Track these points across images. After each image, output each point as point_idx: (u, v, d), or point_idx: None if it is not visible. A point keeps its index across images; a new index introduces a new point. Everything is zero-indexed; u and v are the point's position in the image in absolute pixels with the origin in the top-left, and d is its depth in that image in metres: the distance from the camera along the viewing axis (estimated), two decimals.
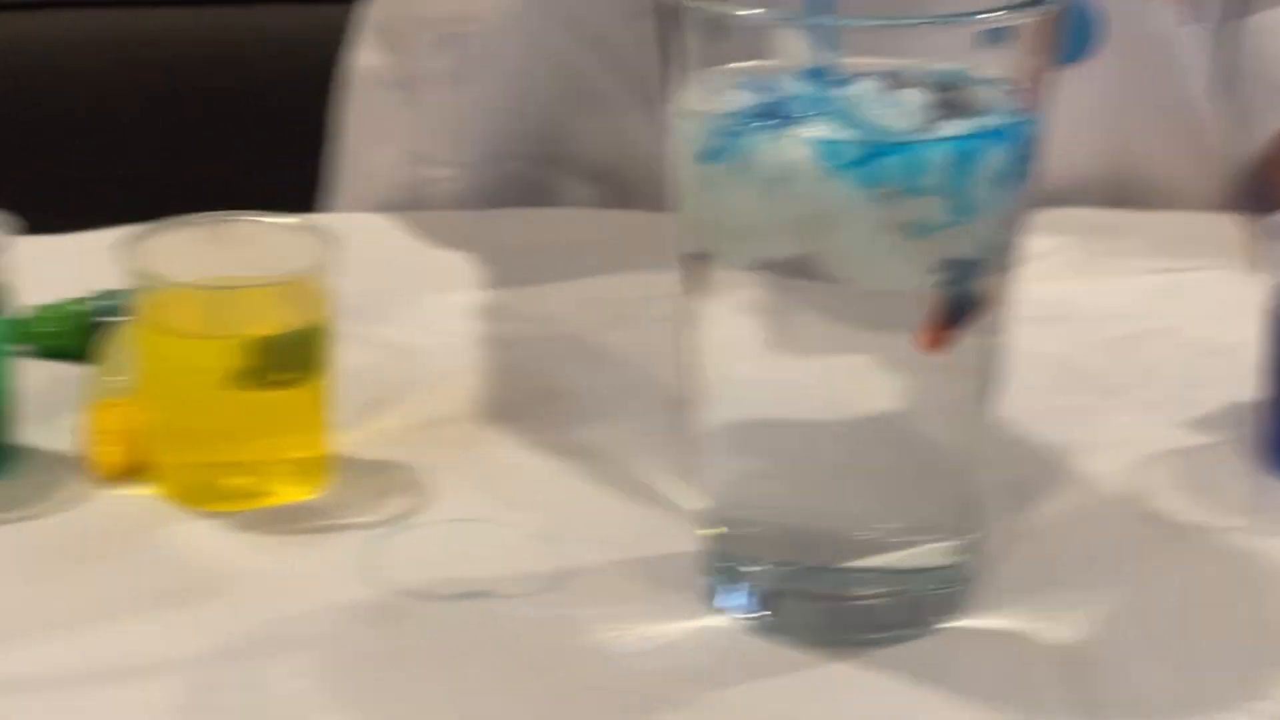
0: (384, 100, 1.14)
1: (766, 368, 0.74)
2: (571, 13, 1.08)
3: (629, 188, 1.09)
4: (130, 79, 1.70)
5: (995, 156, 0.71)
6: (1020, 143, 0.71)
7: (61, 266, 0.98)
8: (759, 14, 0.72)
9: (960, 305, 0.72)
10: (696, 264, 0.74)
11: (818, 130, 0.70)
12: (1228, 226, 1.04)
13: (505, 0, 1.08)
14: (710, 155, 0.71)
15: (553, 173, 1.11)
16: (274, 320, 0.82)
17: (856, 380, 0.73)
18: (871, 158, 0.69)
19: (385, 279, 0.99)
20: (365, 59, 1.15)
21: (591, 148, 1.10)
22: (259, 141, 1.66)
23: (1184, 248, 1.02)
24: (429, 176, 1.11)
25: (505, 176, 1.11)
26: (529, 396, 0.90)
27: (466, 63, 1.10)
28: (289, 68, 1.66)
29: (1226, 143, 1.07)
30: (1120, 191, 1.08)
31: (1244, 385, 0.90)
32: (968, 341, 0.73)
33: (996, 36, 0.71)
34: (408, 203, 1.11)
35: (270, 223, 0.85)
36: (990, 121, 0.71)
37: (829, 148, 0.70)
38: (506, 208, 1.09)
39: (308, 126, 1.25)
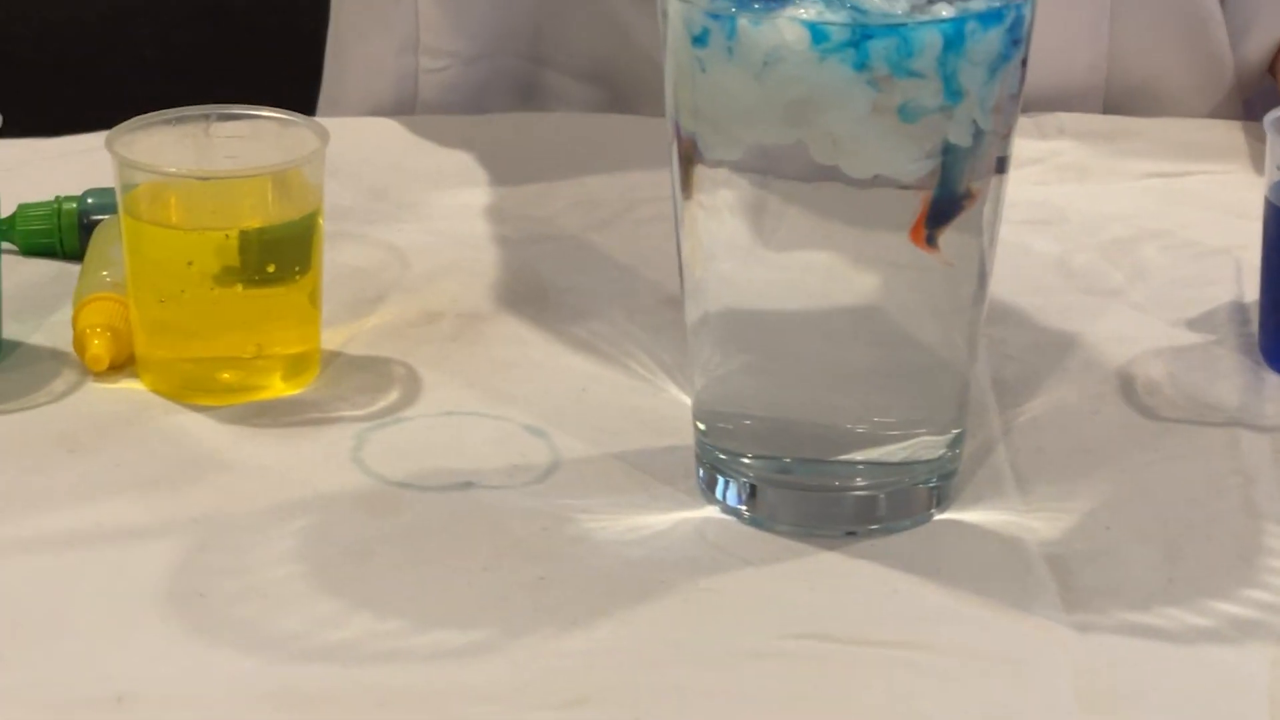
0: None
1: (754, 264, 0.74)
2: None
3: (623, 89, 1.08)
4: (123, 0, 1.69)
5: (986, 40, 0.70)
6: (1011, 26, 0.71)
7: (51, 168, 0.98)
8: None
9: (950, 202, 0.72)
10: (686, 161, 0.74)
11: (808, 12, 0.70)
12: (1228, 132, 1.04)
13: None
14: (701, 38, 0.71)
15: (546, 71, 1.10)
16: (264, 213, 0.81)
17: (843, 276, 0.73)
18: (862, 40, 0.69)
19: (379, 180, 0.99)
20: None
21: (586, 45, 1.09)
22: (255, 38, 1.65)
23: (1183, 153, 1.01)
24: (425, 66, 1.10)
25: (499, 72, 1.10)
26: (521, 294, 0.89)
27: None
28: None
29: (1231, 47, 1.07)
30: (1119, 96, 1.07)
31: (1239, 287, 0.90)
32: (957, 238, 0.73)
33: None
34: (404, 94, 1.10)
35: (261, 116, 0.84)
36: (981, 4, 0.70)
37: (819, 30, 0.69)
38: (500, 106, 1.09)
39: (305, 20, 1.24)
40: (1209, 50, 1.06)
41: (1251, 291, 0.87)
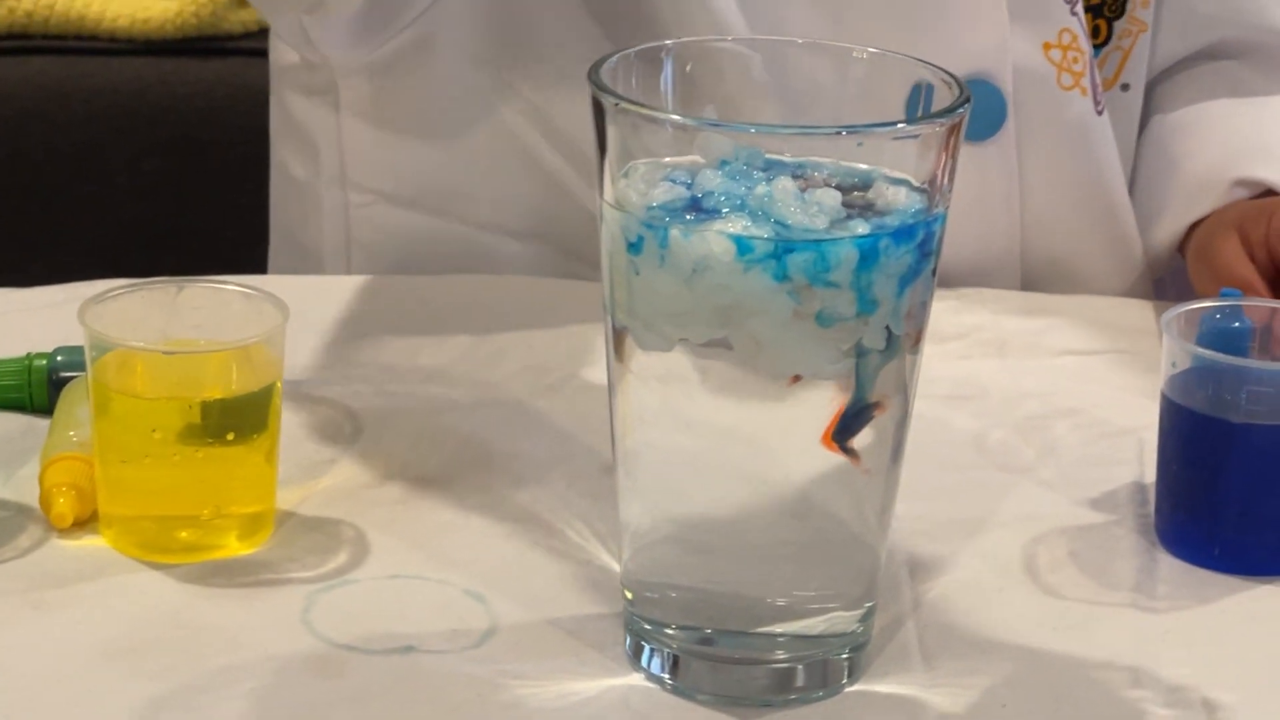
0: (308, 113, 1.17)
1: (681, 433, 0.79)
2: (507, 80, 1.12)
3: (564, 245, 1.13)
4: (97, 127, 1.74)
5: (899, 255, 0.76)
6: (922, 241, 0.77)
7: (24, 319, 1.03)
8: (681, 116, 0.77)
9: (859, 412, 0.77)
10: (620, 338, 0.79)
11: (736, 226, 0.75)
12: (1140, 311, 1.10)
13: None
14: (636, 245, 0.77)
15: (485, 233, 1.15)
16: (227, 384, 0.86)
17: (765, 453, 0.78)
18: (783, 253, 0.75)
19: (334, 339, 1.04)
20: (281, 58, 1.18)
21: (524, 204, 1.14)
22: (221, 167, 1.70)
23: (1097, 331, 1.07)
24: (354, 202, 1.15)
25: (437, 231, 1.15)
26: (467, 459, 0.94)
27: (393, 87, 1.14)
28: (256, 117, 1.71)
29: (1140, 232, 1.13)
30: (1036, 269, 1.13)
31: (1140, 467, 0.95)
32: (871, 431, 0.78)
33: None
34: (336, 228, 1.16)
35: (225, 289, 0.89)
36: (894, 221, 0.76)
37: (744, 243, 0.75)
38: (442, 258, 1.14)
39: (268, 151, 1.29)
40: (1118, 232, 1.12)
41: (1151, 473, 0.92)
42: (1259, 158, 1.09)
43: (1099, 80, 1.10)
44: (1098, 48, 1.12)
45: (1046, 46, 1.08)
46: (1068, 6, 1.08)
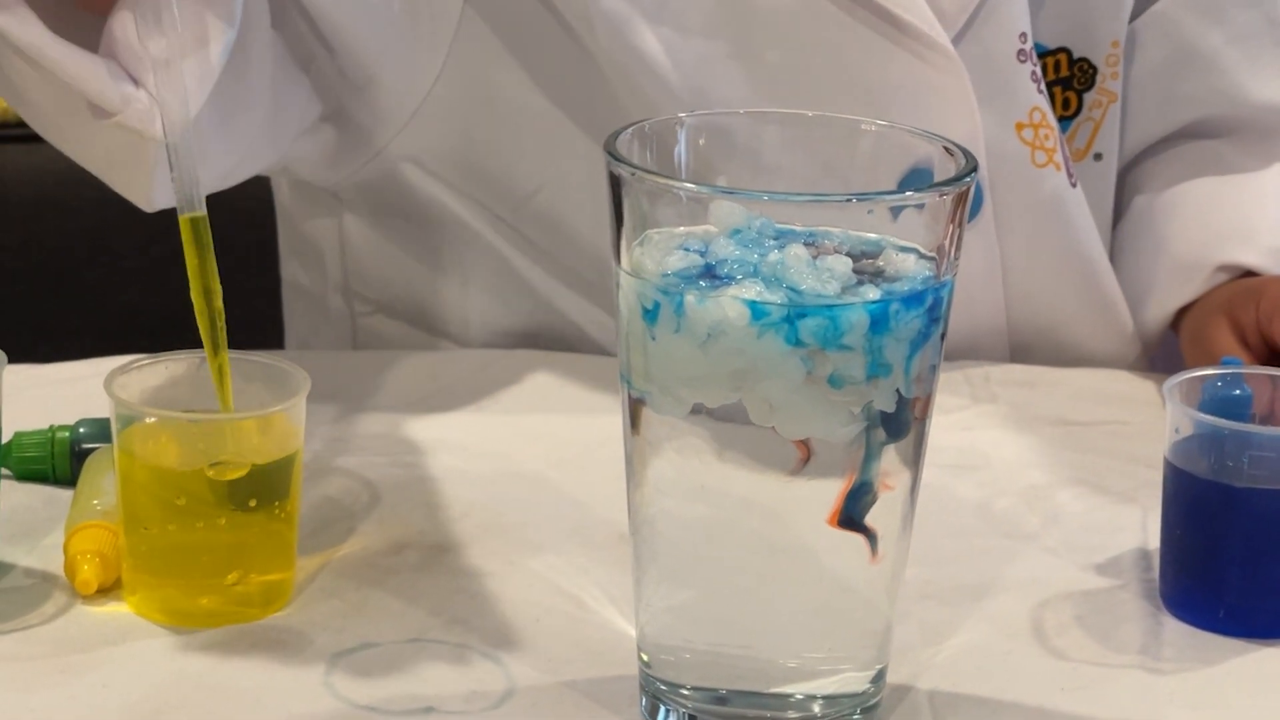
0: (312, 221, 1.19)
1: (695, 502, 0.80)
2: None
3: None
4: (107, 213, 1.76)
5: (909, 319, 0.78)
6: (931, 306, 0.79)
7: (46, 394, 1.05)
8: (695, 185, 0.79)
9: (863, 493, 0.79)
10: (636, 406, 0.81)
11: (749, 291, 0.77)
12: (1142, 383, 1.12)
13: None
14: (652, 312, 0.78)
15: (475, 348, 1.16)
16: (248, 453, 0.88)
17: (778, 523, 0.80)
18: (796, 318, 0.77)
19: (353, 412, 1.05)
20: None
21: (512, 322, 1.15)
22: (230, 252, 1.72)
23: (1099, 403, 1.09)
24: (358, 310, 1.17)
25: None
26: (484, 527, 0.96)
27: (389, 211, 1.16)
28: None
29: (1130, 312, 1.15)
30: (1025, 337, 1.14)
31: (1144, 534, 0.97)
32: (886, 496, 0.80)
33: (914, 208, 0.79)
34: (342, 331, 1.18)
35: (247, 360, 0.91)
36: (904, 287, 0.78)
37: (758, 308, 0.77)
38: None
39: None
40: (1101, 297, 1.14)
41: (1154, 539, 0.94)
42: (1239, 241, 1.11)
43: (1068, 153, 1.12)
44: (1069, 119, 1.14)
45: (1019, 126, 1.10)
46: (1034, 85, 1.10)
